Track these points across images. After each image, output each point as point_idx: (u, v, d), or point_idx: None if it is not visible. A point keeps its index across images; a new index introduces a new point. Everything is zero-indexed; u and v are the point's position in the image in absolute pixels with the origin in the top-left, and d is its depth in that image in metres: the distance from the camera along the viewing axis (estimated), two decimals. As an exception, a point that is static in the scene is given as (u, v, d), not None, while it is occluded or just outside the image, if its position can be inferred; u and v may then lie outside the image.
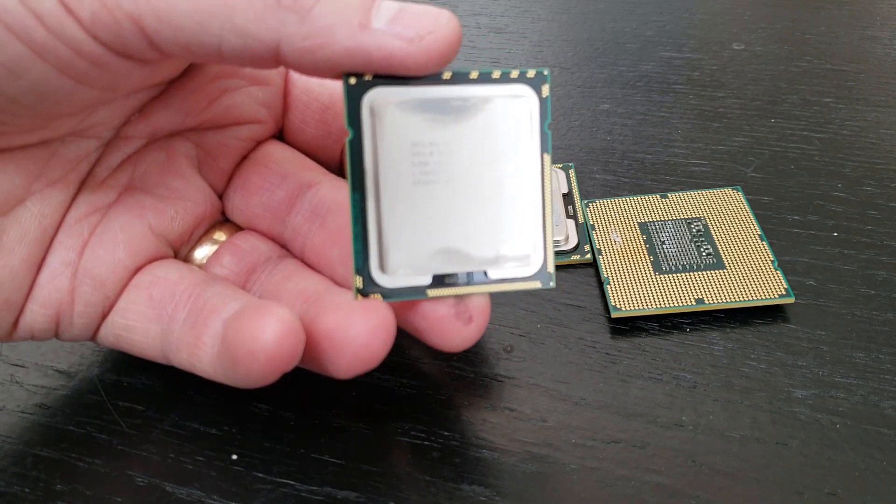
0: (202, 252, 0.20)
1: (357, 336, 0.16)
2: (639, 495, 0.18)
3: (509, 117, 0.17)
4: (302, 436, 0.20)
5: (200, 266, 0.20)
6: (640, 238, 0.24)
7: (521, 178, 0.17)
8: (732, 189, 0.26)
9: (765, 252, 0.23)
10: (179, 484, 0.19)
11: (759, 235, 0.24)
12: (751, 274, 0.22)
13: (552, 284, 0.17)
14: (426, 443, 0.19)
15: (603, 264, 0.23)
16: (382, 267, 0.16)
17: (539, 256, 0.17)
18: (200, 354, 0.17)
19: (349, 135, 0.16)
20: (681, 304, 0.22)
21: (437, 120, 0.16)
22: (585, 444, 0.19)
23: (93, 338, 0.19)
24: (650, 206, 0.25)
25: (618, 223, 0.25)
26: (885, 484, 0.18)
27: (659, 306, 0.22)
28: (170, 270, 0.19)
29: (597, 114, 0.31)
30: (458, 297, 0.17)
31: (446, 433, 0.19)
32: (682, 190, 0.26)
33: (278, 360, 0.15)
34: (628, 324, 0.22)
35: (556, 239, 0.24)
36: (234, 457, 0.19)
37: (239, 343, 0.15)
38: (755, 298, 0.22)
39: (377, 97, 0.16)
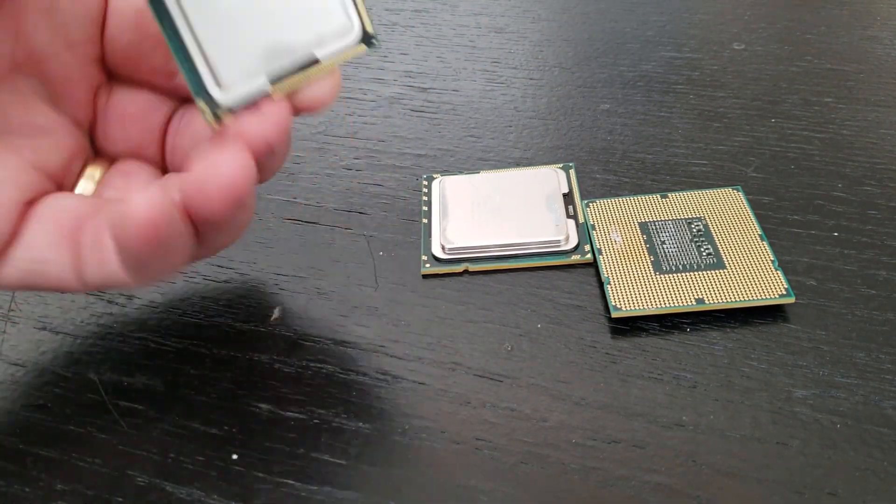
0: (82, 188, 0.21)
1: (224, 170, 0.16)
2: (639, 495, 0.18)
3: None
4: (302, 436, 0.20)
5: None
6: (641, 238, 0.24)
7: None
8: (733, 189, 0.26)
9: (765, 252, 0.23)
10: (180, 484, 0.19)
11: (760, 235, 0.24)
12: (751, 274, 0.22)
13: (376, 43, 0.19)
14: (426, 442, 0.19)
15: (603, 264, 0.23)
16: (218, 83, 0.17)
17: (356, 22, 0.18)
18: (109, 261, 0.18)
19: None
20: (681, 304, 0.22)
21: None
22: (585, 444, 0.19)
23: None
24: (650, 206, 0.25)
25: (618, 223, 0.25)
26: (886, 484, 0.18)
27: (659, 306, 0.22)
28: (67, 201, 0.19)
29: (597, 114, 0.31)
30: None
31: (446, 433, 0.19)
32: (682, 190, 0.26)
33: (150, 227, 0.16)
34: (628, 324, 0.22)
35: (556, 239, 0.24)
36: (235, 456, 0.19)
37: (123, 230, 0.16)
38: (755, 298, 0.22)
39: None
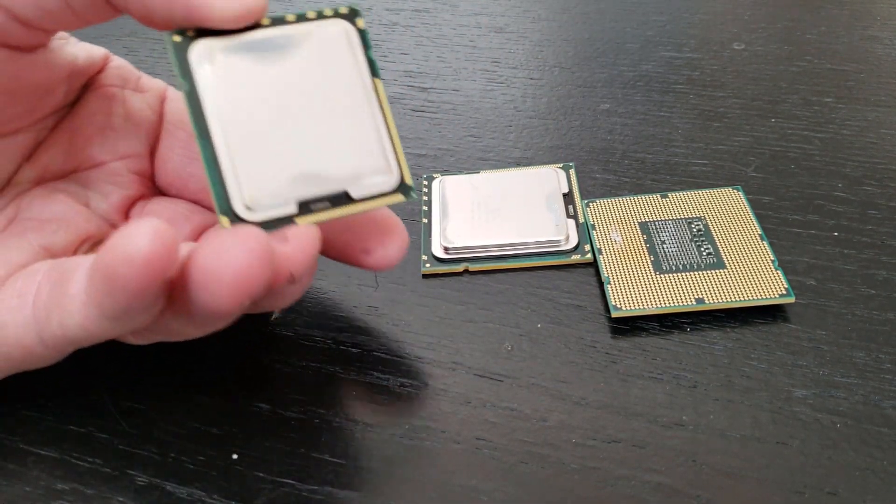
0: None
1: (235, 263, 0.15)
2: (639, 495, 0.18)
3: (331, 47, 0.18)
4: (302, 435, 0.20)
5: None
6: (641, 238, 0.24)
7: (356, 100, 0.18)
8: (733, 189, 0.26)
9: (765, 252, 0.23)
10: (180, 483, 0.19)
11: (760, 235, 0.24)
12: (751, 274, 0.22)
13: (414, 196, 0.18)
14: (426, 442, 0.19)
15: (603, 264, 0.23)
16: (246, 204, 0.17)
17: (395, 169, 0.18)
18: (70, 309, 0.16)
19: (185, 87, 0.16)
20: (681, 304, 0.22)
21: (265, 57, 0.17)
22: (585, 444, 0.19)
23: None
24: (650, 206, 0.25)
25: (618, 223, 0.25)
26: (886, 483, 0.18)
27: (659, 306, 0.22)
28: (36, 265, 0.19)
29: (597, 113, 0.31)
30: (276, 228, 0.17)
31: (446, 433, 0.19)
32: (682, 189, 0.26)
33: (156, 260, 0.14)
34: (628, 323, 0.22)
35: (556, 239, 0.24)
36: (235, 456, 0.19)
37: (114, 259, 0.14)
38: (755, 298, 0.22)
39: (202, 47, 0.16)
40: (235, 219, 0.16)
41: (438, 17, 0.39)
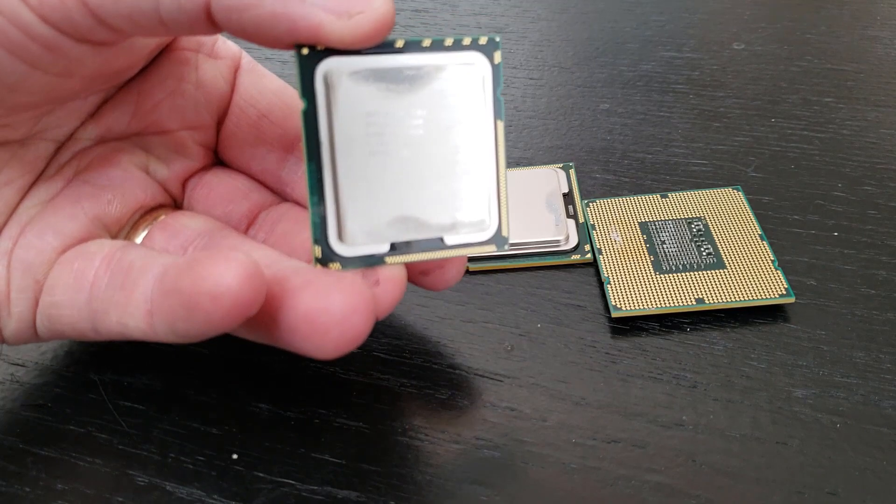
0: (144, 235, 0.20)
1: (341, 317, 0.15)
2: (639, 495, 0.18)
3: (463, 85, 0.17)
4: (302, 435, 0.20)
5: None
6: (641, 238, 0.24)
7: (475, 145, 0.17)
8: (733, 189, 0.26)
9: (765, 252, 0.23)
10: (180, 483, 0.19)
11: (760, 235, 0.24)
12: (751, 274, 0.22)
13: (507, 248, 0.18)
14: (426, 442, 0.19)
15: (603, 264, 0.23)
16: (341, 236, 0.16)
17: (494, 221, 0.18)
18: (133, 312, 0.16)
19: (303, 105, 0.16)
20: (681, 304, 0.22)
21: (391, 89, 0.16)
22: (585, 444, 0.19)
23: (34, 331, 0.19)
24: (650, 206, 0.25)
25: (618, 223, 0.25)
26: (886, 484, 0.18)
27: (659, 306, 0.22)
28: (94, 244, 0.19)
29: (597, 113, 0.31)
30: (368, 267, 0.17)
31: (446, 433, 0.19)
32: (682, 189, 0.26)
33: (244, 303, 0.14)
34: (628, 323, 0.22)
35: (556, 238, 0.24)
36: (235, 456, 0.19)
37: (199, 289, 0.14)
38: (755, 298, 0.22)
39: (330, 67, 0.16)
40: (327, 248, 0.16)
41: (438, 17, 0.39)
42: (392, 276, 0.17)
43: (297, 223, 0.20)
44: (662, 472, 0.18)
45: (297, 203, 0.21)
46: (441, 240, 0.17)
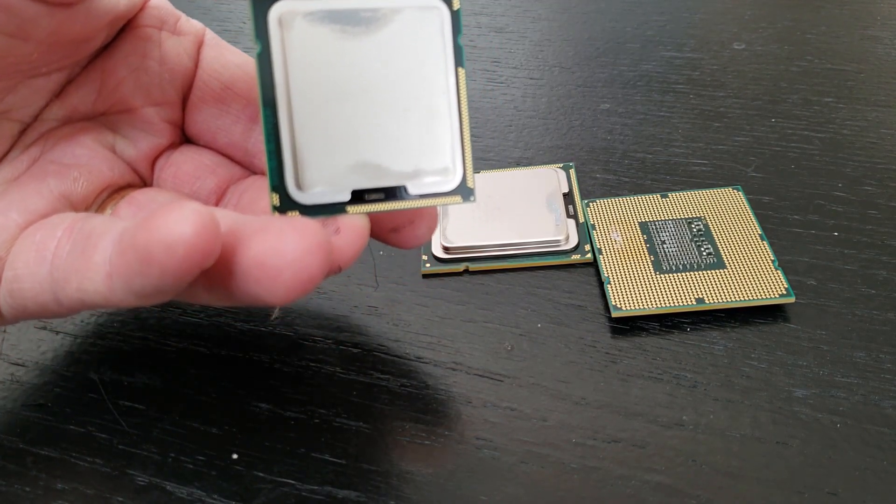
0: (110, 212, 0.20)
1: (294, 260, 0.15)
2: (639, 495, 0.18)
3: (421, 29, 0.16)
4: (302, 435, 0.20)
5: None
6: (641, 237, 0.24)
7: (435, 92, 0.17)
8: (733, 189, 0.26)
9: (765, 252, 0.23)
10: (180, 483, 0.19)
11: (760, 235, 0.24)
12: (751, 273, 0.22)
13: (473, 199, 0.17)
14: (426, 442, 0.19)
15: (603, 264, 0.23)
16: (299, 184, 0.16)
17: (458, 170, 0.17)
18: (92, 277, 0.16)
19: (257, 48, 0.15)
20: (681, 304, 0.22)
21: (347, 31, 0.16)
22: (586, 444, 0.19)
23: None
24: (650, 206, 0.25)
25: (618, 223, 0.25)
26: (886, 483, 0.18)
27: (659, 306, 0.22)
28: (57, 217, 0.18)
29: (597, 113, 0.31)
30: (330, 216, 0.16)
31: (446, 433, 0.19)
32: (682, 189, 0.26)
33: (199, 251, 0.14)
34: (629, 323, 0.22)
35: (556, 238, 0.24)
36: (235, 456, 0.19)
37: (154, 240, 0.14)
38: (755, 298, 0.22)
39: (284, 8, 0.15)
40: (285, 197, 0.16)
41: (438, 16, 0.39)
42: (353, 224, 0.16)
43: (261, 191, 0.20)
44: (662, 472, 0.18)
45: (264, 175, 0.21)
46: (405, 189, 0.17)
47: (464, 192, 0.17)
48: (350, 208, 0.16)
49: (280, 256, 0.15)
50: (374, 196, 0.16)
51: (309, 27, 0.16)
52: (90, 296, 0.16)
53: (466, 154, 0.17)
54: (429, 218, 0.18)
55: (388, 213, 0.17)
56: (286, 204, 0.16)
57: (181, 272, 0.14)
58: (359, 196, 0.16)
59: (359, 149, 0.16)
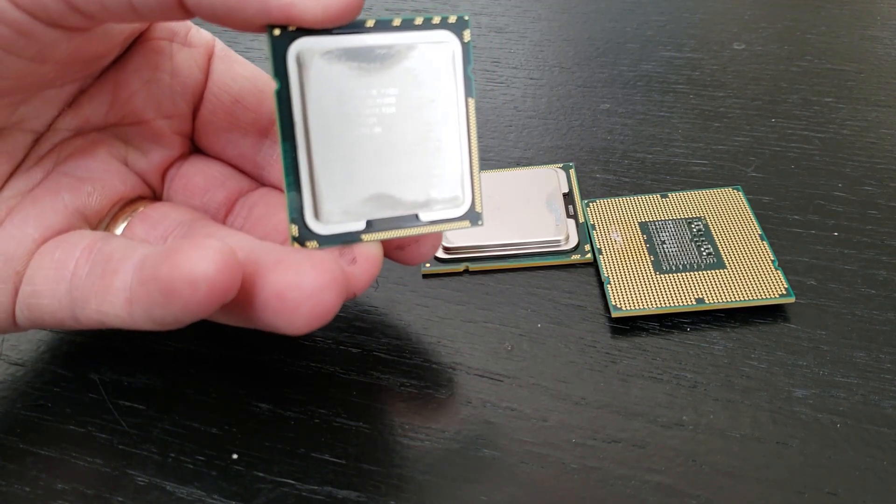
0: (124, 226, 0.20)
1: (312, 294, 0.15)
2: (639, 495, 0.18)
3: (433, 63, 0.17)
4: (302, 435, 0.20)
5: None
6: (641, 238, 0.24)
7: (447, 123, 0.17)
8: (733, 189, 0.26)
9: (765, 252, 0.23)
10: (180, 483, 0.19)
11: (760, 235, 0.24)
12: (751, 273, 0.22)
13: (481, 223, 0.18)
14: (426, 442, 0.19)
15: (603, 264, 0.23)
16: (317, 215, 0.17)
17: (467, 197, 0.18)
18: (112, 300, 0.17)
19: (276, 86, 0.16)
20: (681, 304, 0.22)
21: (363, 68, 0.16)
22: (586, 444, 0.19)
23: (13, 320, 0.19)
24: (650, 206, 0.25)
25: (618, 223, 0.25)
26: (886, 483, 0.18)
27: (659, 306, 0.22)
28: (74, 235, 0.19)
29: (597, 113, 0.31)
30: (346, 245, 0.17)
31: (446, 433, 0.19)
32: (682, 189, 0.26)
33: (220, 289, 0.15)
34: (629, 323, 0.22)
35: (556, 238, 0.24)
36: (235, 456, 0.19)
37: (177, 277, 0.15)
38: (755, 298, 0.22)
39: (302, 47, 0.16)
40: (304, 228, 0.16)
41: (438, 16, 0.39)
42: (368, 254, 0.17)
43: (272, 206, 0.20)
44: (662, 472, 0.18)
45: (274, 186, 0.21)
46: (416, 216, 0.17)
47: (472, 216, 0.18)
48: (365, 236, 0.17)
49: (298, 290, 0.15)
50: (386, 224, 0.17)
51: (326, 65, 0.16)
52: (109, 318, 0.17)
53: (475, 181, 0.18)
54: (433, 238, 0.19)
55: None
56: (304, 234, 0.17)
57: (202, 307, 0.15)
58: (372, 225, 0.17)
59: (374, 181, 0.17)
